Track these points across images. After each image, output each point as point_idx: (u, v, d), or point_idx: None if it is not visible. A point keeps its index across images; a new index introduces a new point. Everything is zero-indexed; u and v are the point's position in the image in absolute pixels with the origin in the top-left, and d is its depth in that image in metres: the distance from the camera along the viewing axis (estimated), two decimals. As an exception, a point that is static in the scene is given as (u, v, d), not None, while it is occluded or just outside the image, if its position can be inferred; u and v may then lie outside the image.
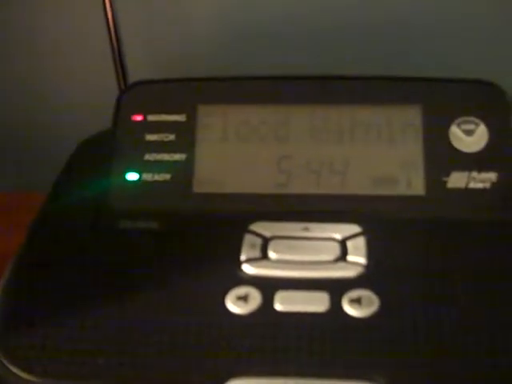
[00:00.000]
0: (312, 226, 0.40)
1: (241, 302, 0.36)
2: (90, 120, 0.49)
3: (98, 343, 0.34)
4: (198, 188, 0.42)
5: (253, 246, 0.39)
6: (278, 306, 0.36)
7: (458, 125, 0.42)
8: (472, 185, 0.41)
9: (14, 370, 0.34)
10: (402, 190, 0.41)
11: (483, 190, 0.41)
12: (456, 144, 0.42)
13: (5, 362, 0.34)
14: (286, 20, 0.63)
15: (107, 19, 0.53)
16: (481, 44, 0.62)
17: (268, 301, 0.36)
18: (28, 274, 0.39)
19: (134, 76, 0.53)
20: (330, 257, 0.38)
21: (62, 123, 0.67)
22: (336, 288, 0.36)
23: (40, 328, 0.35)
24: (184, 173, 0.42)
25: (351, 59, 0.62)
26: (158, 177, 0.43)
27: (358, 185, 0.41)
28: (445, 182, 0.41)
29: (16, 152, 0.68)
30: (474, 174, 0.41)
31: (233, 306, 0.36)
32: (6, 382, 0.34)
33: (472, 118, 0.42)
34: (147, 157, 0.43)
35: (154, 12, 0.64)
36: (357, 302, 0.36)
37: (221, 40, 0.64)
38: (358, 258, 0.38)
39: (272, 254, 0.38)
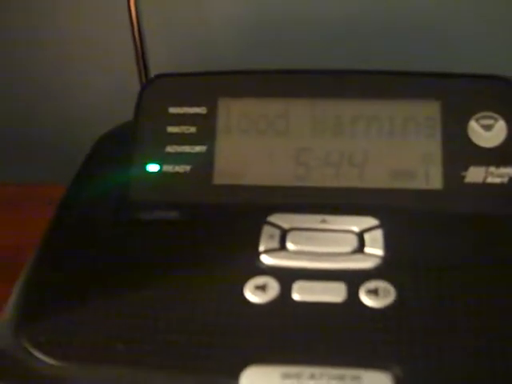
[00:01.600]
0: (330, 218, 0.40)
1: (259, 292, 0.36)
2: (113, 113, 0.50)
3: (119, 330, 0.35)
4: (217, 180, 0.43)
5: (271, 237, 0.39)
6: (296, 296, 0.36)
7: (477, 120, 0.42)
8: (490, 179, 0.41)
9: (37, 354, 0.34)
10: (419, 184, 0.42)
11: (501, 185, 0.41)
12: (474, 139, 0.42)
13: (27, 346, 0.35)
14: (308, 21, 0.63)
15: (130, 14, 0.53)
16: (497, 40, 0.62)
17: (286, 291, 0.36)
18: (50, 263, 0.40)
19: (155, 70, 0.54)
20: (348, 248, 0.39)
21: (84, 116, 0.68)
22: (353, 279, 0.37)
23: (62, 315, 0.36)
24: (204, 165, 0.43)
25: (370, 58, 0.62)
26: (178, 168, 0.43)
27: (376, 178, 0.42)
28: (463, 177, 0.41)
29: (39, 144, 0.69)
30: (492, 168, 0.41)
31: (251, 295, 0.36)
32: (29, 367, 0.34)
33: (491, 113, 0.42)
34: (168, 149, 0.44)
35: (177, 6, 0.64)
36: (374, 292, 0.36)
37: (244, 36, 0.64)
38: (375, 249, 0.38)
39: (290, 245, 0.39)
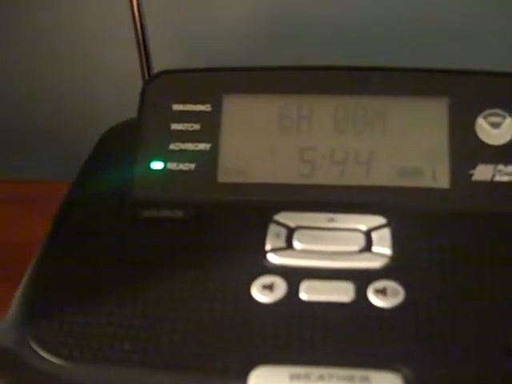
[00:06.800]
0: (337, 216, 0.40)
1: (266, 291, 0.36)
2: (117, 109, 0.49)
3: (125, 329, 0.35)
4: (222, 178, 0.42)
5: (278, 235, 0.39)
6: (304, 296, 0.36)
7: (485, 117, 0.42)
8: (498, 178, 0.41)
9: (42, 353, 0.34)
10: (427, 182, 0.41)
11: (509, 183, 0.40)
12: (482, 136, 0.41)
13: (34, 346, 0.34)
14: (313, 17, 0.63)
15: (132, 9, 0.53)
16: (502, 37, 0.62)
17: (293, 290, 0.36)
18: (54, 261, 0.39)
19: (159, 66, 0.53)
20: (355, 247, 0.38)
21: (88, 112, 0.68)
22: (361, 278, 0.36)
23: (68, 314, 0.36)
24: (208, 162, 0.43)
25: (376, 55, 0.62)
26: (182, 166, 0.43)
27: (383, 176, 0.41)
28: (470, 175, 0.41)
29: (42, 141, 0.69)
30: (501, 166, 0.41)
31: (258, 294, 0.36)
32: (34, 366, 0.34)
33: (499, 111, 0.42)
34: (172, 146, 0.43)
35: (182, 1, 0.64)
36: (382, 292, 0.36)
37: (248, 31, 0.64)
38: (382, 248, 0.38)
39: (297, 244, 0.39)
